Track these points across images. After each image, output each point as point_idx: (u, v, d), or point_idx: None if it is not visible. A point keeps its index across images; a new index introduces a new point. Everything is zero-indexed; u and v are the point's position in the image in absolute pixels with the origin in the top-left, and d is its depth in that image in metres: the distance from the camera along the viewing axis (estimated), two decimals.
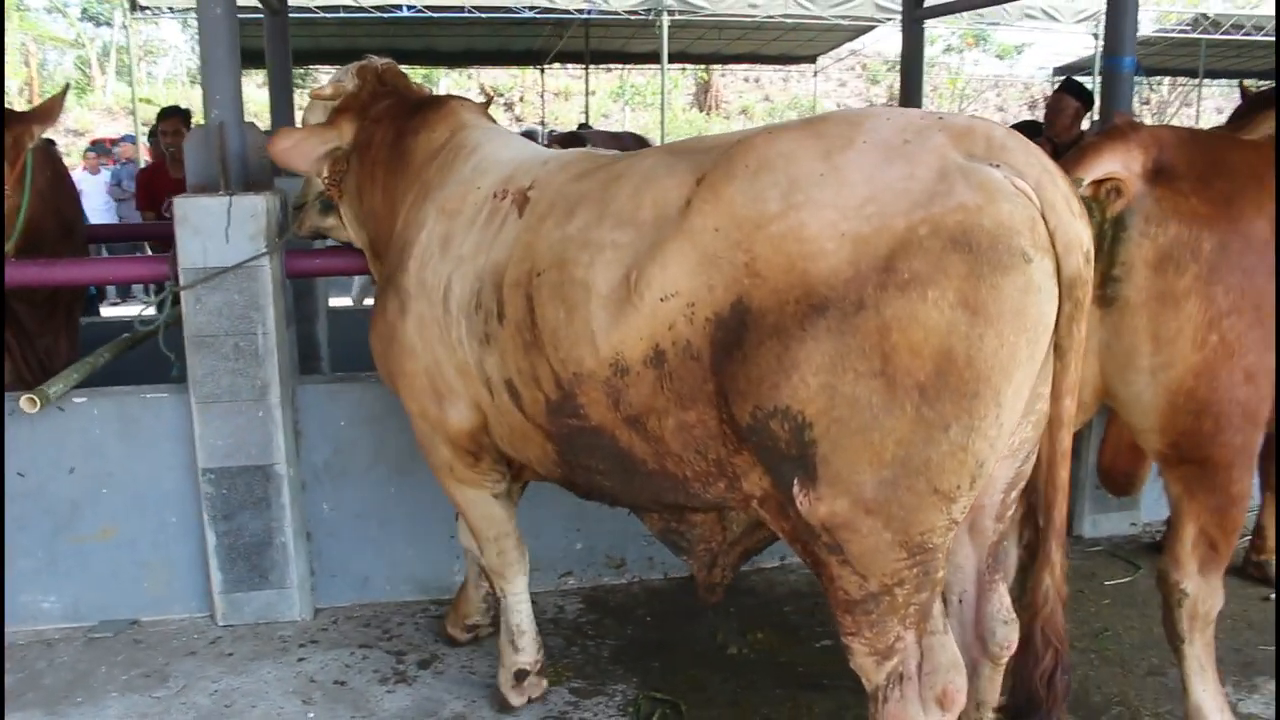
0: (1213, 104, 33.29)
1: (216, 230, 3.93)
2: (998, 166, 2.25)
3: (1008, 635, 2.92)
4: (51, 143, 4.69)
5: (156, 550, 4.28)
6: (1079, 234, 2.28)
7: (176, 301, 4.02)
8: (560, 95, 32.24)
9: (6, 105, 4.47)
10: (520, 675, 3.67)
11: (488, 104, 3.85)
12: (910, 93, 7.05)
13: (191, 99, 32.95)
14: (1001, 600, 2.93)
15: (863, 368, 2.23)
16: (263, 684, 3.85)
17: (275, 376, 4.07)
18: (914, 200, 2.20)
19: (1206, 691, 3.26)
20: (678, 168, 2.59)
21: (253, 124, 4.14)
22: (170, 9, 14.45)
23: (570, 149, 3.37)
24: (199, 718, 3.65)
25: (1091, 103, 6.68)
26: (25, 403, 3.72)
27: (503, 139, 3.50)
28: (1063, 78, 10.60)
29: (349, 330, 5.93)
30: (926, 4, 7.02)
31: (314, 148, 3.67)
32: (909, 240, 2.18)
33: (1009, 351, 2.21)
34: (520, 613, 3.68)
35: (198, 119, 6.44)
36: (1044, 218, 2.24)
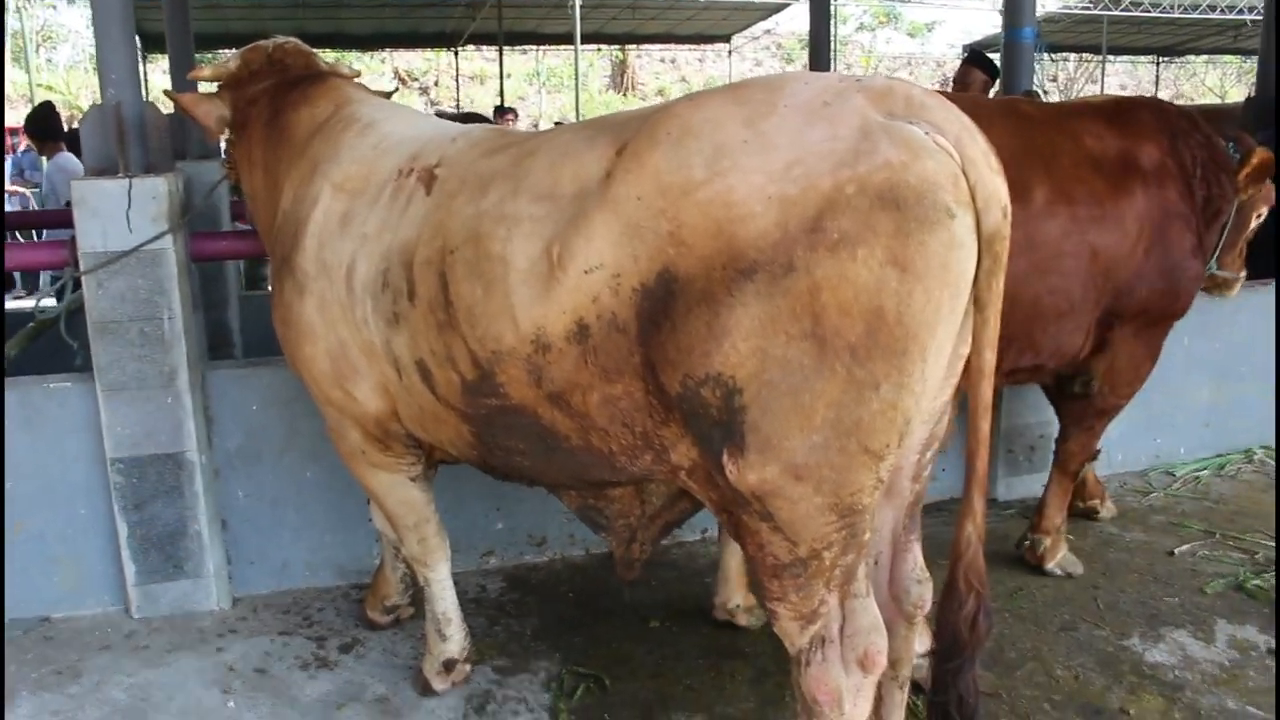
0: (1116, 80, 34.15)
1: (116, 213, 3.82)
2: (917, 124, 2.26)
3: (921, 594, 2.96)
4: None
5: (66, 544, 4.17)
6: (998, 189, 2.30)
7: (78, 287, 3.91)
8: (475, 79, 31.94)
9: None
10: (449, 665, 3.65)
11: (389, 95, 3.80)
12: (819, 68, 7.11)
13: (93, 85, 32.01)
14: (916, 560, 2.98)
15: (793, 330, 2.22)
16: (181, 676, 3.79)
17: (183, 362, 3.98)
18: (839, 160, 2.19)
19: None
20: (597, 140, 2.56)
21: (152, 104, 4.03)
22: None
23: (475, 124, 3.32)
24: (115, 712, 3.57)
25: (997, 74, 6.81)
26: None
27: (402, 115, 3.44)
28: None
29: (264, 315, 5.83)
30: None
31: (209, 108, 3.64)
32: (836, 200, 2.17)
33: (934, 307, 2.23)
34: (445, 600, 3.65)
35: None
36: (965, 173, 2.25)
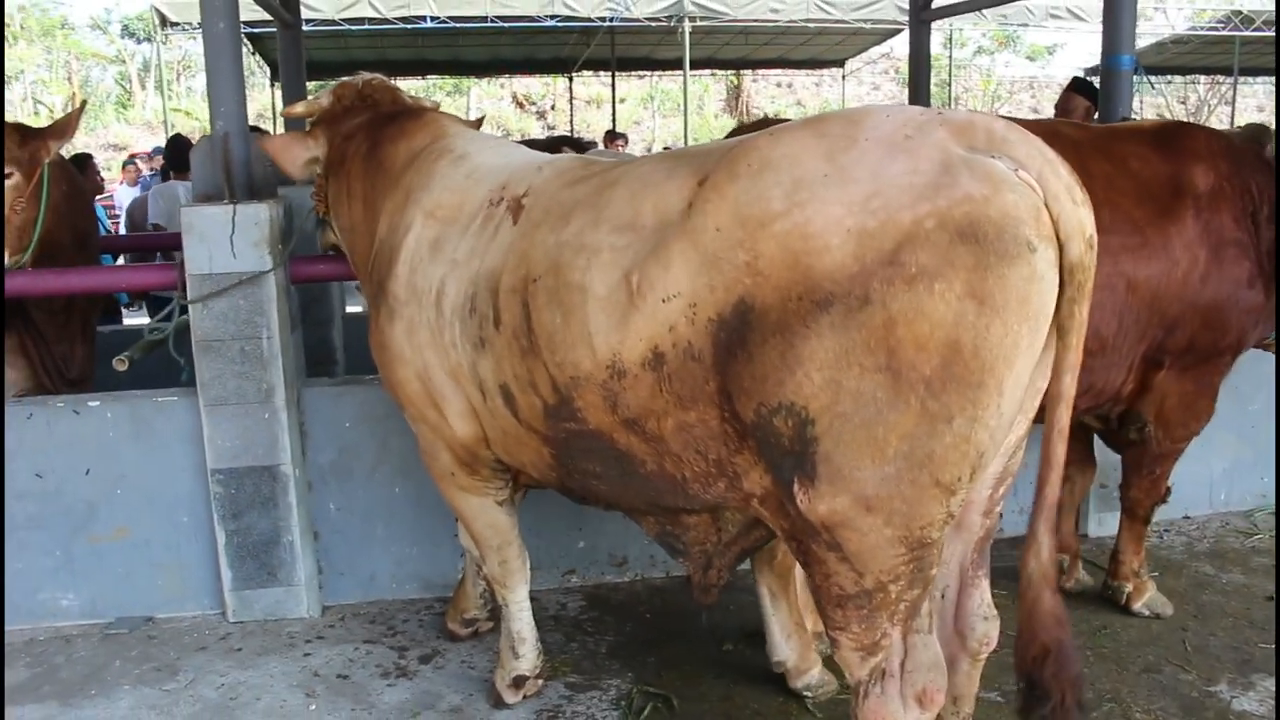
0: (1253, 102, 32.86)
1: (221, 238, 4.05)
2: (999, 158, 2.26)
3: (987, 631, 2.93)
4: (90, 158, 4.83)
5: (169, 549, 4.41)
6: (1081, 221, 2.29)
7: (185, 310, 4.15)
8: (591, 103, 32.40)
9: (27, 123, 4.59)
10: (519, 681, 3.73)
11: (479, 123, 3.93)
12: (918, 93, 7.09)
13: None
14: (983, 596, 2.95)
15: (868, 362, 2.23)
16: (268, 677, 3.97)
17: (280, 379, 4.18)
18: (919, 193, 2.20)
19: None
20: (678, 171, 2.60)
21: (256, 129, 4.25)
22: (192, 24, 14.70)
23: (563, 154, 3.40)
24: (205, 709, 3.76)
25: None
26: (117, 363, 4.08)
27: (495, 145, 3.55)
28: (1097, 78, 10.53)
29: (365, 334, 6.05)
30: (934, 5, 7.07)
31: (299, 152, 3.77)
32: (915, 233, 2.18)
33: (1013, 341, 2.23)
34: (521, 620, 3.73)
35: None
36: (1047, 207, 2.25)
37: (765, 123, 7.29)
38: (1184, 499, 5.27)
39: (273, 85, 21.12)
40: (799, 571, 3.74)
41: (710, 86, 33.80)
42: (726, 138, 4.81)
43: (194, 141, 4.68)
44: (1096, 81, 6.00)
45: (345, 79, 3.86)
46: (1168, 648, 4.10)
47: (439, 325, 3.15)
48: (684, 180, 2.55)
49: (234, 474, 4.24)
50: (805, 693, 3.75)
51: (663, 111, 33.19)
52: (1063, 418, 2.51)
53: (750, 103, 34.52)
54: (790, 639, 3.76)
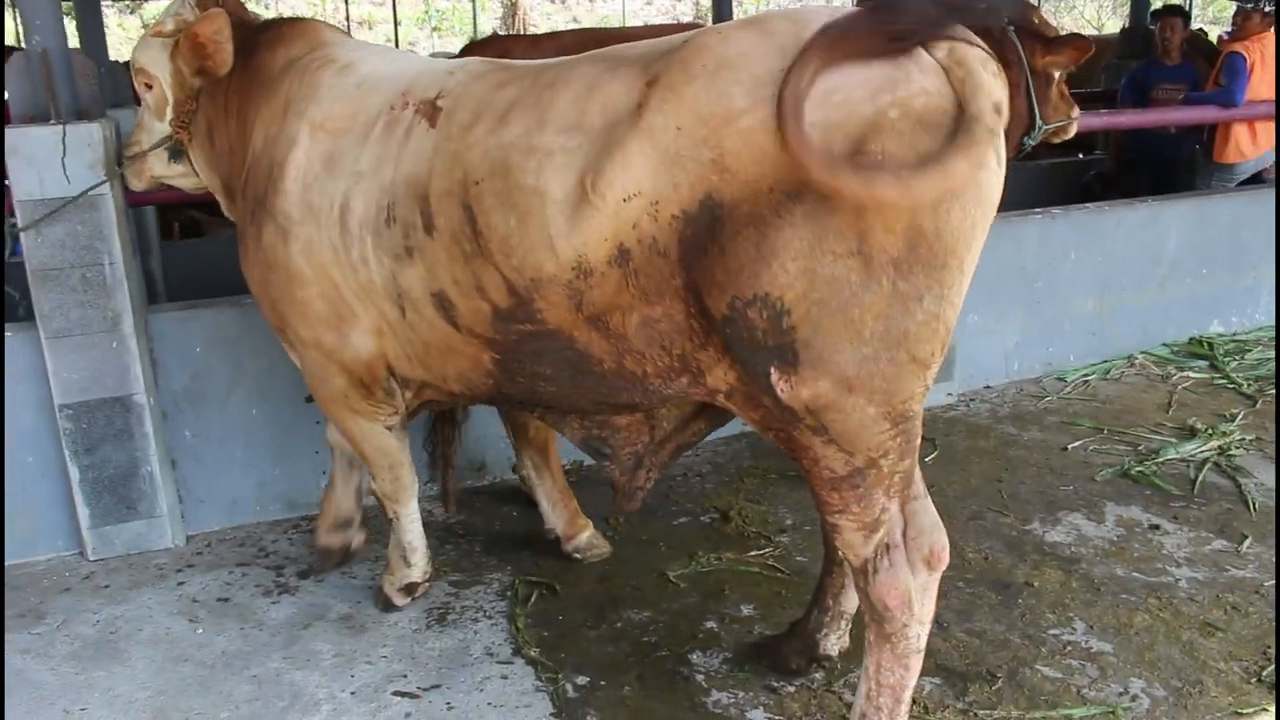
0: None
1: (52, 160, 3.86)
2: (935, 52, 2.33)
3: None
4: None
5: (16, 492, 4.24)
6: (997, 92, 2.32)
7: (14, 242, 3.96)
8: (364, 24, 31.24)
9: None
10: (410, 588, 3.82)
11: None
12: (720, 4, 7.27)
13: None
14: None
15: (840, 248, 2.33)
16: (145, 609, 3.92)
17: (127, 306, 4.06)
18: (876, 86, 2.28)
19: None
20: (620, 71, 2.62)
21: (78, 51, 4.05)
22: None
23: (473, 59, 3.26)
24: (86, 646, 3.70)
25: None
26: None
27: (381, 52, 3.47)
28: None
29: (181, 263, 5.87)
30: None
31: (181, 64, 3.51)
32: (879, 123, 2.27)
33: (970, 223, 2.37)
34: (413, 531, 3.78)
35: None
36: (978, 89, 2.29)
37: (493, 40, 7.23)
38: (984, 370, 5.85)
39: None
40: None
41: (487, 5, 33.15)
42: (459, 54, 4.83)
43: None
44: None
45: None
46: (987, 498, 4.60)
47: (345, 242, 3.09)
48: (630, 80, 2.58)
49: (84, 408, 4.11)
50: (575, 554, 4.14)
51: (440, 31, 32.39)
52: None
53: (527, 20, 34.10)
54: (556, 507, 4.16)
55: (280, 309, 3.36)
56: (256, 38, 3.50)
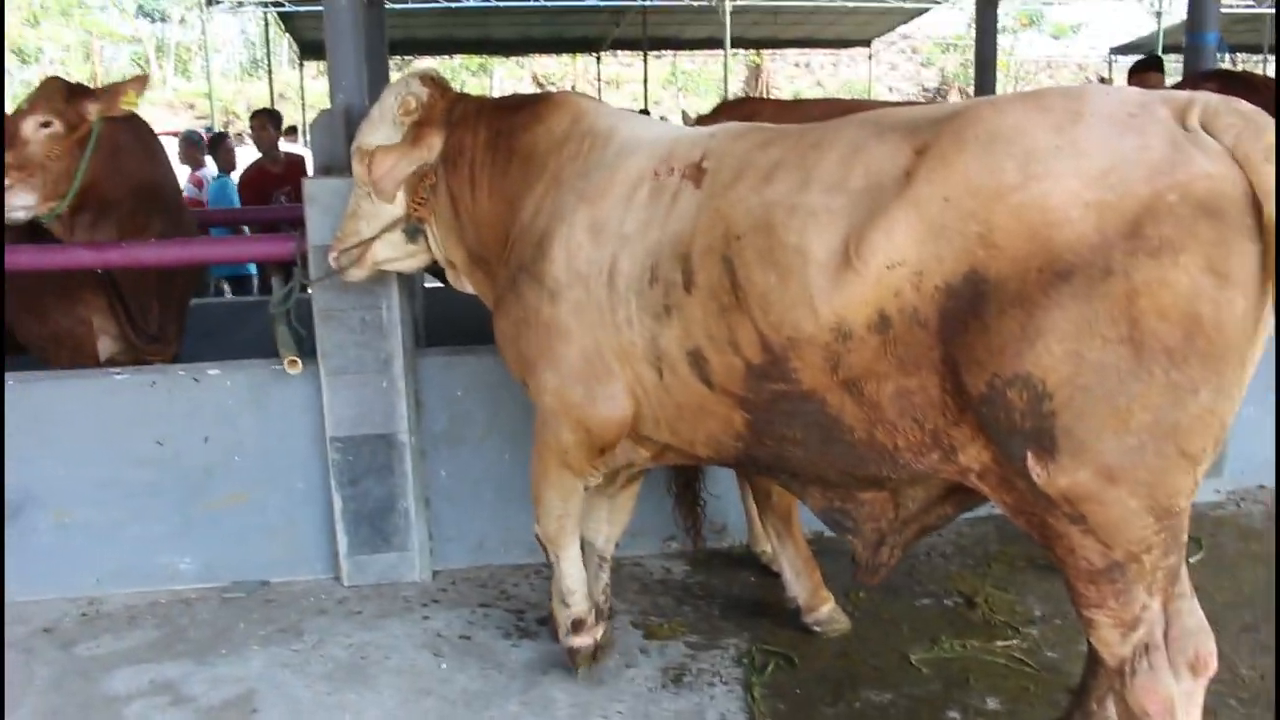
0: None
1: (343, 209, 4.12)
2: (1220, 136, 2.28)
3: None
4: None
5: (284, 515, 4.52)
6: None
7: (304, 289, 4.24)
8: (611, 83, 32.42)
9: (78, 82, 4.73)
10: (579, 624, 3.73)
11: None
12: (984, 75, 7.14)
13: (245, 91, 33.58)
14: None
15: (1110, 333, 2.27)
16: (393, 638, 4.08)
17: (399, 348, 4.28)
18: (1154, 168, 2.24)
19: None
20: (888, 137, 2.62)
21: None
22: (239, 3, 14.81)
23: (730, 122, 3.31)
24: (338, 668, 3.88)
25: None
26: (289, 365, 4.21)
27: (637, 120, 3.55)
28: (1125, 57, 10.57)
29: (443, 307, 6.15)
30: None
31: (403, 170, 3.62)
32: (1156, 206, 2.22)
33: (1255, 314, 2.27)
34: (572, 576, 3.71)
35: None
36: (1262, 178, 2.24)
37: (745, 102, 7.31)
38: (1258, 468, 5.39)
39: (300, 64, 21.28)
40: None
41: (731, 67, 33.77)
42: (707, 116, 4.85)
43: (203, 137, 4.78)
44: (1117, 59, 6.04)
45: (416, 71, 3.75)
46: (1262, 608, 4.19)
47: (611, 303, 3.11)
48: (897, 146, 2.57)
49: (352, 442, 4.35)
50: (815, 627, 4.02)
51: (685, 92, 33.20)
52: None
53: (770, 82, 34.51)
54: (800, 577, 4.04)
55: (531, 358, 3.38)
56: (511, 117, 3.57)
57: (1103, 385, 2.30)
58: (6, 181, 4.20)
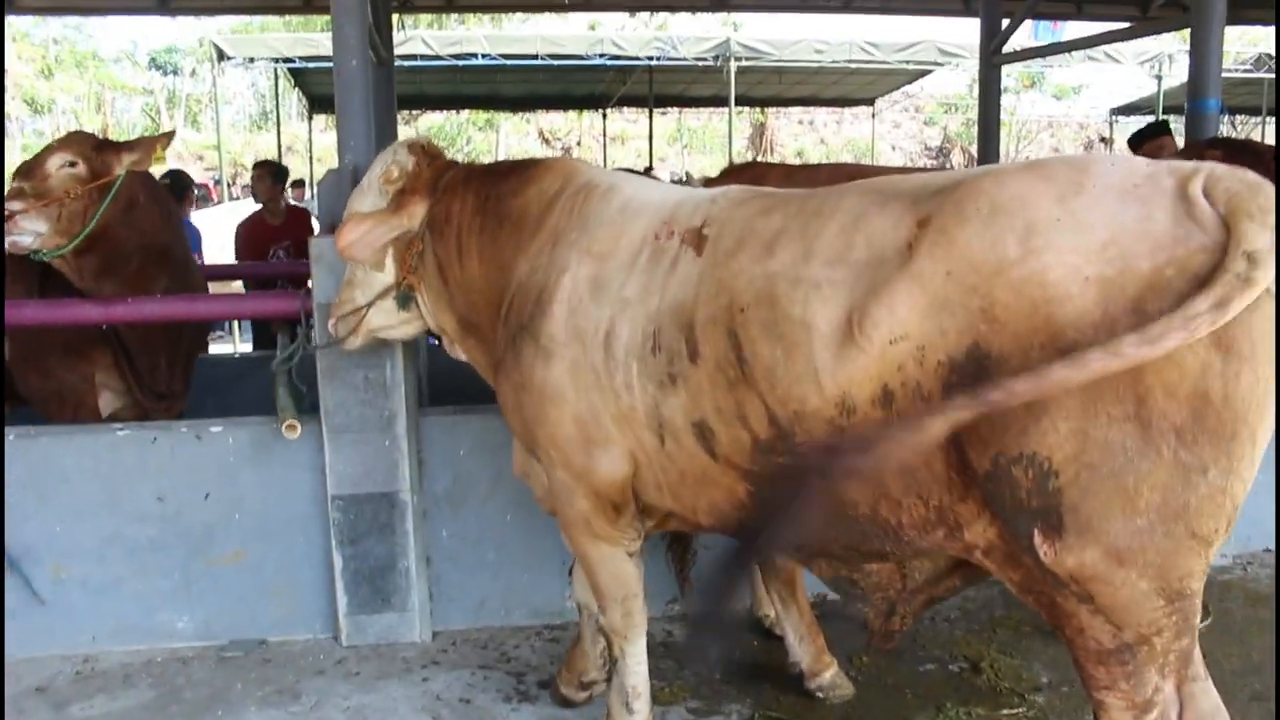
0: None
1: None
2: (1222, 208, 2.24)
3: None
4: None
5: (283, 574, 4.49)
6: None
7: (309, 342, 4.25)
8: (616, 139, 32.70)
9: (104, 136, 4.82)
10: None
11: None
12: (988, 132, 7.21)
13: (254, 143, 33.90)
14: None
15: (1115, 411, 2.22)
16: (391, 701, 4.03)
17: (402, 407, 4.28)
18: (1155, 242, 2.21)
19: None
20: (890, 207, 2.59)
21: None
22: (250, 59, 15.00)
23: (732, 186, 3.27)
24: None
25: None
26: (287, 429, 4.20)
27: (640, 181, 3.54)
28: (1126, 117, 10.66)
29: (447, 366, 6.15)
30: (1004, 50, 7.19)
31: (380, 236, 3.56)
32: (1156, 282, 2.18)
33: (1264, 388, 2.22)
34: (638, 674, 3.57)
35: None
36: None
37: (751, 166, 7.34)
38: (1264, 532, 5.35)
39: (309, 118, 21.45)
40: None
41: (736, 124, 34.11)
42: (714, 179, 4.88)
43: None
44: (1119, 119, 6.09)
45: (404, 140, 3.75)
46: (1272, 675, 4.14)
47: (608, 368, 3.06)
48: (899, 216, 2.55)
49: (353, 500, 4.33)
50: (818, 692, 3.97)
51: (690, 149, 33.50)
52: None
53: (774, 140, 34.84)
54: (803, 642, 4.01)
55: (531, 428, 3.32)
56: (499, 182, 3.54)
57: (1109, 464, 2.25)
58: (20, 207, 4.23)
